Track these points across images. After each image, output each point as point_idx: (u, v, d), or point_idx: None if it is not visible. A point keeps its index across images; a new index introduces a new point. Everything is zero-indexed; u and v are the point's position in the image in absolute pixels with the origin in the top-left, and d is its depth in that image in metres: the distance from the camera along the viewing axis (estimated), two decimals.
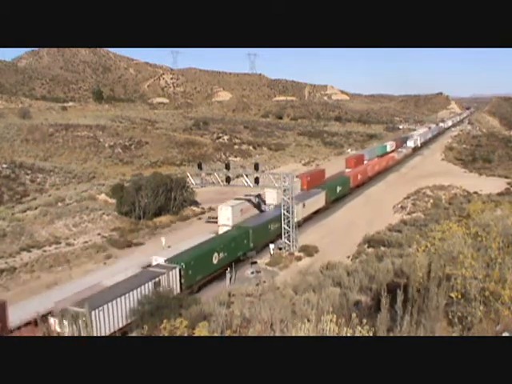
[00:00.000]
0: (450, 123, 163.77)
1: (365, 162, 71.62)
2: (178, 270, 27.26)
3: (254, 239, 35.83)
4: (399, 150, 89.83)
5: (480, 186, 55.94)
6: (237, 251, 33.88)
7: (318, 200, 48.41)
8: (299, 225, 41.61)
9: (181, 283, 27.44)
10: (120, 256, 36.06)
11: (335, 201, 52.79)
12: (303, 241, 39.49)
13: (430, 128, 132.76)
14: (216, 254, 31.19)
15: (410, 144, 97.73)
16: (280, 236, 38.45)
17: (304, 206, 44.30)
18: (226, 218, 38.93)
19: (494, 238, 8.78)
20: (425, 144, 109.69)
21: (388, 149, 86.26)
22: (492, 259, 8.06)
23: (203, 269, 29.57)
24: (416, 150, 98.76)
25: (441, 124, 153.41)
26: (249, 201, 43.09)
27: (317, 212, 47.81)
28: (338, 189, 53.93)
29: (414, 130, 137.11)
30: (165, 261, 28.40)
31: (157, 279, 25.22)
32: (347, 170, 65.31)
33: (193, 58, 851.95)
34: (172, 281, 26.47)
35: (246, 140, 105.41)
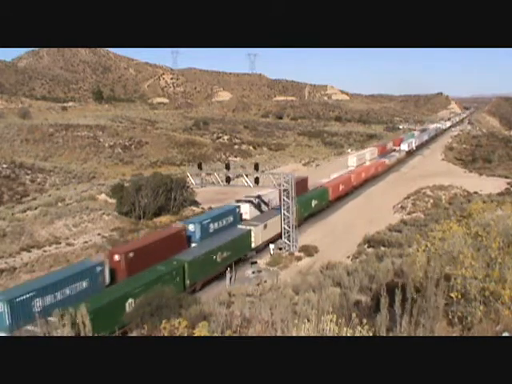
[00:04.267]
0: (448, 124, 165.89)
1: (402, 143, 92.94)
2: None
3: (191, 275, 28.71)
4: (391, 153, 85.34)
5: (480, 186, 55.97)
6: None
7: None
8: (257, 251, 36.52)
9: None
10: None
11: (310, 216, 46.36)
12: (303, 241, 39.51)
13: (440, 124, 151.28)
14: (131, 301, 23.83)
15: (404, 147, 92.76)
16: (231, 266, 32.80)
17: (265, 227, 37.79)
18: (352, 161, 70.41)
19: (494, 238, 8.77)
20: (421, 146, 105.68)
21: (415, 135, 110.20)
22: (492, 259, 8.06)
23: (111, 322, 20.78)
24: (411, 153, 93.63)
25: (444, 123, 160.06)
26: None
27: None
28: (314, 203, 47.26)
29: (415, 129, 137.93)
30: None
31: None
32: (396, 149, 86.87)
33: (193, 58, 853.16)
34: None
35: (246, 140, 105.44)
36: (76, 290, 25.26)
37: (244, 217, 39.45)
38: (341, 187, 54.95)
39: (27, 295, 23.19)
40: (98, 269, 27.11)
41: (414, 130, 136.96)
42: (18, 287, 25.49)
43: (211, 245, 32.14)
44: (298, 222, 40.96)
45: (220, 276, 31.81)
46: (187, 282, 28.63)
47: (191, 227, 34.02)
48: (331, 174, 60.54)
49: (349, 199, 56.45)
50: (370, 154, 79.26)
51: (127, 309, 23.38)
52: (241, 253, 34.71)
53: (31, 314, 21.59)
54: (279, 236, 39.15)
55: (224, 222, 36.79)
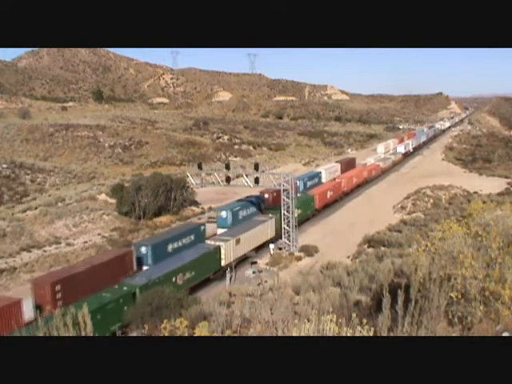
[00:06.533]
0: (447, 124, 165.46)
1: (399, 146, 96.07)
2: None
3: None
4: (387, 156, 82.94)
5: (480, 186, 56.03)
6: (109, 325, 21.28)
7: (264, 230, 36.92)
8: (226, 270, 31.87)
9: None
10: None
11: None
12: (303, 241, 39.52)
13: (439, 125, 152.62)
14: None
15: (401, 149, 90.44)
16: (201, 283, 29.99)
17: (238, 242, 33.53)
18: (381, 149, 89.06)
19: (495, 238, 8.77)
20: (418, 148, 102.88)
21: (425, 131, 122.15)
22: (492, 259, 8.05)
23: None
24: (407, 155, 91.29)
25: (443, 124, 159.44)
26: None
27: (263, 245, 37.01)
28: (297, 212, 41.13)
29: (414, 129, 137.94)
30: None
31: None
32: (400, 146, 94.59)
33: (193, 58, 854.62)
34: None
35: (246, 140, 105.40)
36: (249, 211, 40.11)
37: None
38: (329, 194, 51.39)
39: (237, 208, 38.64)
40: (262, 198, 43.14)
41: (414, 129, 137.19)
42: (229, 204, 42.40)
43: (170, 265, 27.65)
44: (278, 233, 38.25)
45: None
46: None
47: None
48: (367, 158, 76.16)
49: (349, 199, 56.46)
50: (392, 143, 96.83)
51: None
52: (208, 272, 30.64)
53: (238, 220, 37.59)
54: (258, 248, 36.62)
55: (314, 181, 54.48)
